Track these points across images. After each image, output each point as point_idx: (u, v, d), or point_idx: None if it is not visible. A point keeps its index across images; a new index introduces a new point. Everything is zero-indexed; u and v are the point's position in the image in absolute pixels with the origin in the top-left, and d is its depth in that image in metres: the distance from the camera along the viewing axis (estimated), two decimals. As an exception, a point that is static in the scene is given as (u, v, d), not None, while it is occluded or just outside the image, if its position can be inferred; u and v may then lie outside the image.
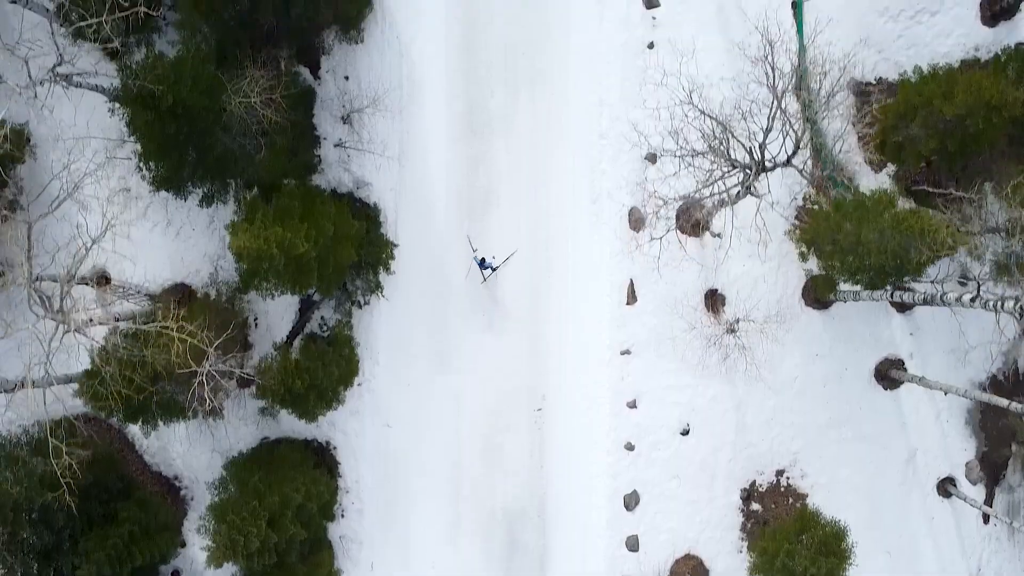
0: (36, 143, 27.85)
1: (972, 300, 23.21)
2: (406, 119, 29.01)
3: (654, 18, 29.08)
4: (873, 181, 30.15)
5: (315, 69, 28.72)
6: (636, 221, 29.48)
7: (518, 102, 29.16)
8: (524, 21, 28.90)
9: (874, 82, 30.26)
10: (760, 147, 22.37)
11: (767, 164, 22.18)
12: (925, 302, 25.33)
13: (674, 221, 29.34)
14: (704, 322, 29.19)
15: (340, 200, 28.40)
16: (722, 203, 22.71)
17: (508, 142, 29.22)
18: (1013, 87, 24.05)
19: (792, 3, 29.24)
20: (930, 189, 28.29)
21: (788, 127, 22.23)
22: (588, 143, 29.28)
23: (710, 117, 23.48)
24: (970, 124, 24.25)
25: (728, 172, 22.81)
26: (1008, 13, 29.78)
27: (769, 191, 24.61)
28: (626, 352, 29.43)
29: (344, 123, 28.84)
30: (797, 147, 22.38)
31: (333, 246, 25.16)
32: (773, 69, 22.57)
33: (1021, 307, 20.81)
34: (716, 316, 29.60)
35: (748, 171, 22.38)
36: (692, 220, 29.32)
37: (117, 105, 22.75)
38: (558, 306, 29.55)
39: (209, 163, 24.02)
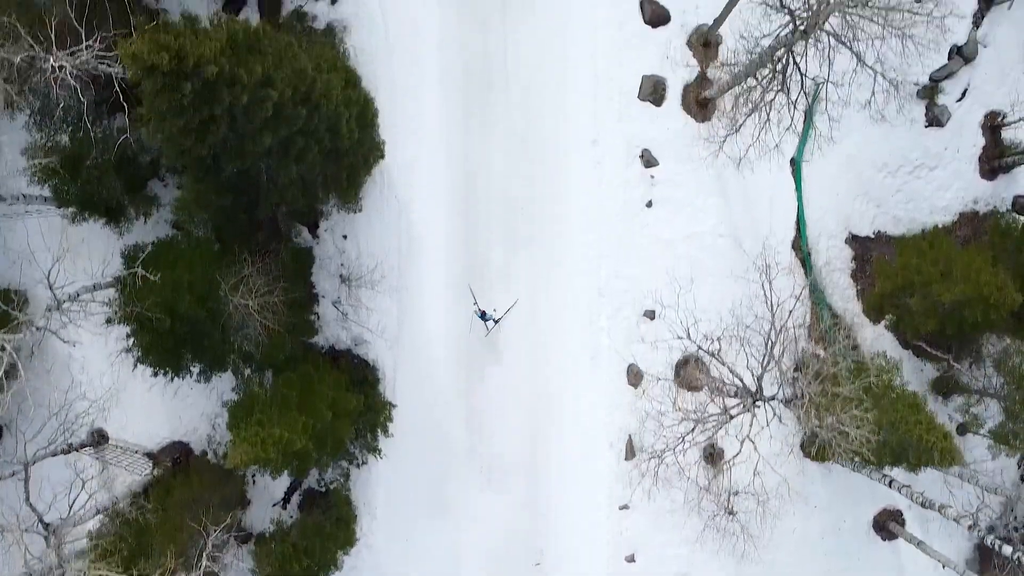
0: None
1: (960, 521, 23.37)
2: (405, 276, 28.96)
3: (652, 176, 29.04)
4: (871, 332, 30.20)
5: (313, 228, 28.70)
6: (635, 376, 29.45)
7: (517, 259, 29.11)
8: (523, 179, 28.84)
9: (872, 236, 30.26)
10: (758, 380, 22.34)
11: (765, 395, 22.17)
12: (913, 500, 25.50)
13: (672, 375, 29.49)
14: (702, 477, 29.14)
15: (338, 365, 28.44)
16: (720, 423, 22.71)
17: (508, 298, 29.14)
18: (1014, 285, 23.97)
19: (791, 160, 29.24)
20: (927, 348, 28.34)
21: (780, 376, 22.30)
22: (587, 300, 29.24)
23: (710, 354, 23.55)
24: (968, 315, 24.23)
25: (726, 413, 22.85)
26: (1006, 168, 29.80)
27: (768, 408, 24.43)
28: (625, 507, 29.40)
29: (343, 282, 28.82)
30: (793, 396, 22.41)
31: (332, 424, 25.14)
32: (771, 296, 22.61)
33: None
34: (715, 468, 29.56)
35: (747, 400, 22.37)
36: (689, 380, 29.39)
37: (116, 316, 22.71)
38: (557, 459, 29.50)
39: (207, 352, 23.99)
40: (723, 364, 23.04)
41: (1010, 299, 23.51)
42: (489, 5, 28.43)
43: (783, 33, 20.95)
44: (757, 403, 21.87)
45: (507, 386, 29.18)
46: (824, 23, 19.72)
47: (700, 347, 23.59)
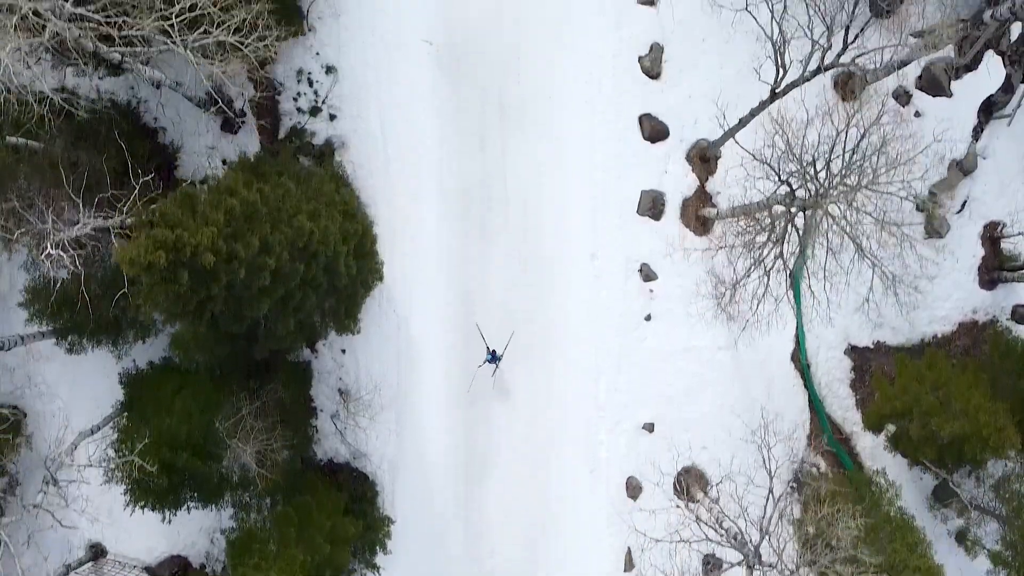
0: (32, 429, 27.85)
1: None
2: (403, 389, 28.94)
3: (651, 291, 29.02)
4: (870, 441, 30.16)
5: (312, 344, 28.66)
6: (633, 488, 29.41)
7: (516, 371, 29.06)
8: (522, 293, 28.80)
9: (872, 346, 30.23)
10: (756, 548, 22.32)
11: (763, 560, 22.15)
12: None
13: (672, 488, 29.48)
14: (703, 588, 29.15)
15: (336, 479, 28.42)
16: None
17: (506, 409, 29.13)
18: (1013, 421, 23.95)
19: (790, 272, 29.17)
20: (927, 464, 28.28)
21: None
22: (586, 412, 29.20)
23: (709, 527, 23.60)
24: (967, 450, 24.21)
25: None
26: (1006, 279, 29.78)
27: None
28: (624, 619, 29.39)
29: (341, 395, 28.80)
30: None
31: (330, 555, 25.12)
32: (771, 464, 22.70)
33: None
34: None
35: (745, 554, 22.35)
36: (688, 486, 29.39)
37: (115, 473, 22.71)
38: (557, 572, 29.45)
39: (205, 490, 23.97)
40: (724, 516, 23.02)
41: (1009, 441, 23.48)
42: (488, 123, 28.45)
43: (782, 195, 20.99)
44: (755, 568, 21.84)
45: (506, 497, 29.13)
46: (825, 212, 19.77)
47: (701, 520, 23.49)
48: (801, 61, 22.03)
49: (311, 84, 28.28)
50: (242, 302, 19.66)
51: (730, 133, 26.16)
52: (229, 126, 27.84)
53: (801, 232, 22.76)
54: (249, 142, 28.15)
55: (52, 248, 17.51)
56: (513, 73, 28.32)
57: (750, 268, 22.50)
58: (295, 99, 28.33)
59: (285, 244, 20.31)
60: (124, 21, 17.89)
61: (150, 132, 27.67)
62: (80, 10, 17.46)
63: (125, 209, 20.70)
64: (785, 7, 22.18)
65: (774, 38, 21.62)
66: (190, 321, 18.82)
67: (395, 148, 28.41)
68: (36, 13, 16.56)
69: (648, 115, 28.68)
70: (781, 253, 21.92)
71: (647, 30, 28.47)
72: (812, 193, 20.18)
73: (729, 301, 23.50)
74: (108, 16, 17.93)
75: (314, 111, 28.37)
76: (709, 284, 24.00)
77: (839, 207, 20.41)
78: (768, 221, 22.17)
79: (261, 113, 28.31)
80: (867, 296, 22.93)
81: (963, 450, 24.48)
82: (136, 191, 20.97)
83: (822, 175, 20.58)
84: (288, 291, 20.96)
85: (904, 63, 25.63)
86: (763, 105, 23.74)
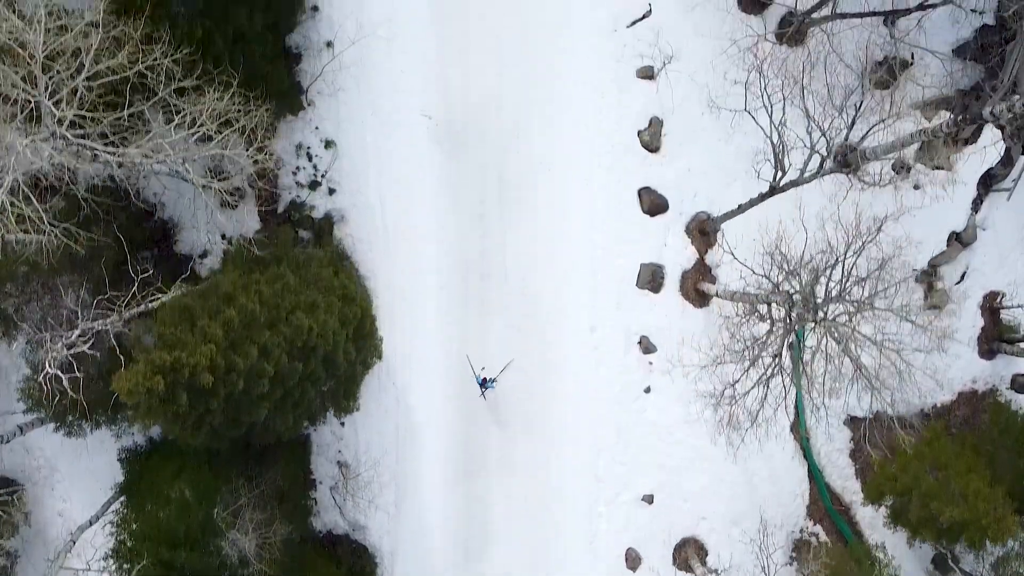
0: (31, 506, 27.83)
1: None
2: (402, 464, 28.91)
3: (651, 363, 29.00)
4: (870, 511, 30.12)
5: (311, 422, 28.60)
6: (633, 560, 29.39)
7: (515, 445, 29.03)
8: (520, 366, 28.74)
9: (871, 416, 30.12)
10: None
11: None
12: None
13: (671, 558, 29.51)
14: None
15: (335, 551, 28.43)
16: None
17: (505, 483, 29.07)
18: (1012, 506, 23.94)
19: (788, 344, 29.13)
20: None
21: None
22: (585, 485, 29.16)
23: None
24: (966, 535, 24.19)
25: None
26: (1006, 349, 29.76)
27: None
28: None
29: (340, 468, 28.79)
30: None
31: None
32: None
33: None
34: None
35: None
36: (687, 558, 29.40)
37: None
38: (557, 646, 29.45)
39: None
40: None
41: (1008, 531, 23.47)
42: (487, 196, 28.44)
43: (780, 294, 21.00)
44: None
45: (506, 571, 29.08)
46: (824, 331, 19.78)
47: None
48: (800, 168, 22.05)
49: (310, 159, 28.28)
50: (240, 409, 19.64)
51: (729, 215, 26.13)
52: (228, 202, 27.82)
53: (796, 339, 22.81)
54: (248, 218, 28.13)
55: (51, 367, 17.50)
56: (512, 147, 28.30)
57: (748, 367, 22.45)
58: (294, 173, 28.32)
59: (284, 346, 20.32)
60: (123, 142, 17.91)
61: (149, 208, 27.65)
62: (80, 141, 17.46)
63: (124, 306, 20.68)
64: (784, 113, 22.18)
65: (774, 140, 21.63)
66: (189, 434, 18.78)
67: (394, 222, 28.40)
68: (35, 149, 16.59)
69: (647, 188, 28.68)
70: (779, 364, 21.90)
71: (646, 104, 28.47)
72: (809, 309, 20.18)
73: (727, 422, 23.47)
74: (108, 142, 17.96)
75: (313, 185, 28.36)
76: (709, 395, 23.94)
77: (835, 331, 20.44)
78: (766, 311, 22.17)
79: (260, 188, 28.26)
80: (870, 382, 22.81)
81: (962, 535, 24.44)
82: (135, 286, 21.02)
83: (820, 292, 20.60)
84: (287, 390, 20.94)
85: (903, 145, 25.60)
86: (763, 197, 23.75)
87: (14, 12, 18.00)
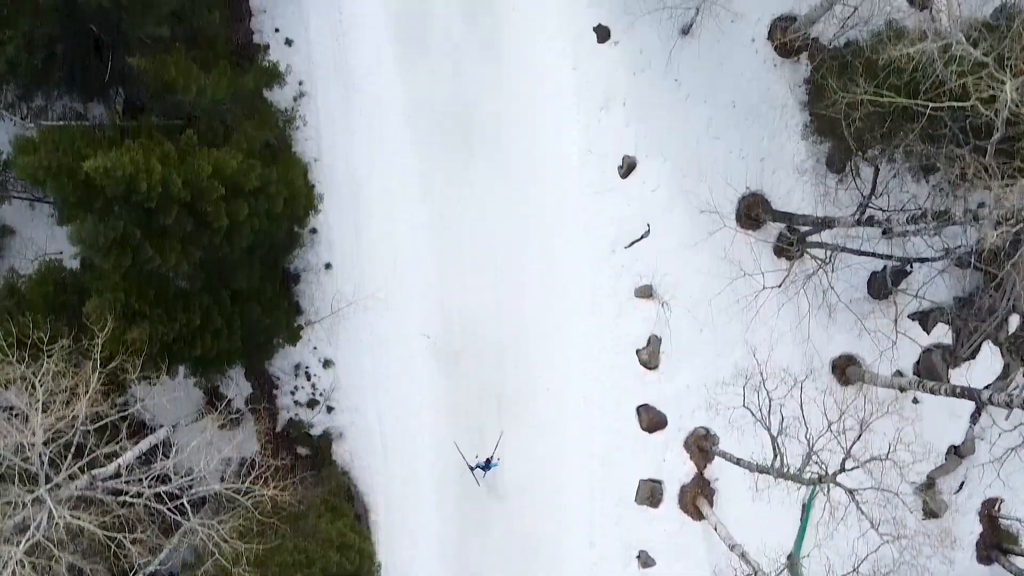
0: None
1: None
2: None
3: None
4: None
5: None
6: None
7: (515, 658, 29.08)
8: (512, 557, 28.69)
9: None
10: None
11: None
12: None
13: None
14: None
15: None
16: None
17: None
18: None
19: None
20: None
21: None
22: None
23: None
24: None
25: None
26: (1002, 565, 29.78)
27: None
28: None
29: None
30: None
31: None
32: None
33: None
34: None
35: None
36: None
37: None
38: None
39: None
40: None
41: None
42: (486, 415, 28.34)
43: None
44: None
45: None
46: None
47: None
48: (798, 468, 22.12)
49: (309, 378, 28.30)
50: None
51: (727, 457, 26.19)
52: (226, 424, 27.82)
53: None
54: (247, 439, 28.14)
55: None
56: (511, 366, 28.29)
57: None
58: (293, 392, 28.35)
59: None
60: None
61: (145, 429, 27.65)
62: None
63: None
64: (783, 419, 22.25)
65: (774, 447, 21.71)
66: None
67: (393, 439, 28.46)
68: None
69: (646, 406, 28.66)
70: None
71: (645, 324, 28.44)
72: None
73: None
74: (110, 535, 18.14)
75: (312, 404, 28.38)
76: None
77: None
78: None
79: (258, 409, 28.30)
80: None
81: None
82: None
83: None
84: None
85: (901, 388, 25.73)
86: (762, 470, 23.79)
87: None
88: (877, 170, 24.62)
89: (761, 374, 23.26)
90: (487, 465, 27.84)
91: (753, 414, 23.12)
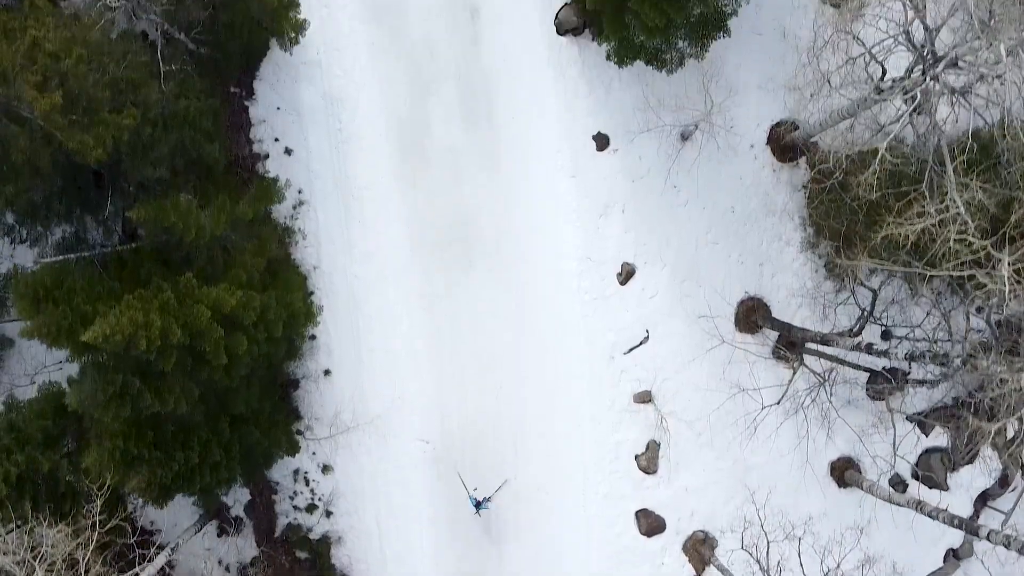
0: None
1: None
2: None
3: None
4: None
5: None
6: None
7: None
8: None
9: None
10: None
11: None
12: None
13: None
14: None
15: None
16: None
17: None
18: None
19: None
20: None
21: None
22: None
23: None
24: None
25: None
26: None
27: None
28: None
29: None
30: None
31: None
32: None
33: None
34: None
35: None
36: None
37: None
38: None
39: None
40: None
41: None
42: (484, 520, 28.41)
43: None
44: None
45: None
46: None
47: None
48: None
49: (307, 483, 28.34)
50: None
51: (726, 572, 26.24)
52: (226, 531, 27.89)
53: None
54: (246, 544, 28.23)
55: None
56: (510, 473, 28.27)
57: None
58: (291, 497, 28.40)
59: None
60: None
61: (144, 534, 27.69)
62: None
63: None
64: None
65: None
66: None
67: (391, 545, 28.53)
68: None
69: (644, 511, 28.66)
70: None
71: (644, 429, 28.44)
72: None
73: None
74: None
75: (310, 508, 28.43)
76: None
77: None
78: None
79: (257, 514, 28.35)
80: None
81: None
82: None
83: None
84: None
85: (900, 504, 25.76)
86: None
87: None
88: (875, 293, 24.62)
89: (761, 524, 23.21)
90: (479, 505, 27.70)
91: (751, 554, 23.14)
